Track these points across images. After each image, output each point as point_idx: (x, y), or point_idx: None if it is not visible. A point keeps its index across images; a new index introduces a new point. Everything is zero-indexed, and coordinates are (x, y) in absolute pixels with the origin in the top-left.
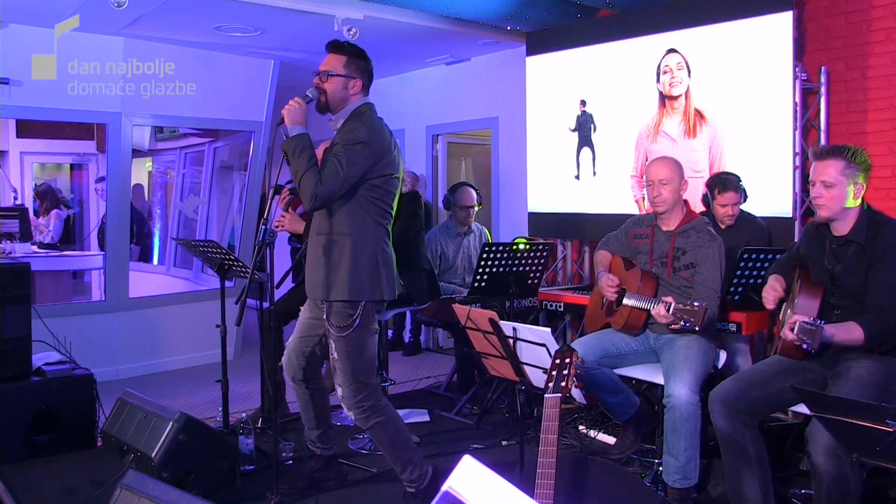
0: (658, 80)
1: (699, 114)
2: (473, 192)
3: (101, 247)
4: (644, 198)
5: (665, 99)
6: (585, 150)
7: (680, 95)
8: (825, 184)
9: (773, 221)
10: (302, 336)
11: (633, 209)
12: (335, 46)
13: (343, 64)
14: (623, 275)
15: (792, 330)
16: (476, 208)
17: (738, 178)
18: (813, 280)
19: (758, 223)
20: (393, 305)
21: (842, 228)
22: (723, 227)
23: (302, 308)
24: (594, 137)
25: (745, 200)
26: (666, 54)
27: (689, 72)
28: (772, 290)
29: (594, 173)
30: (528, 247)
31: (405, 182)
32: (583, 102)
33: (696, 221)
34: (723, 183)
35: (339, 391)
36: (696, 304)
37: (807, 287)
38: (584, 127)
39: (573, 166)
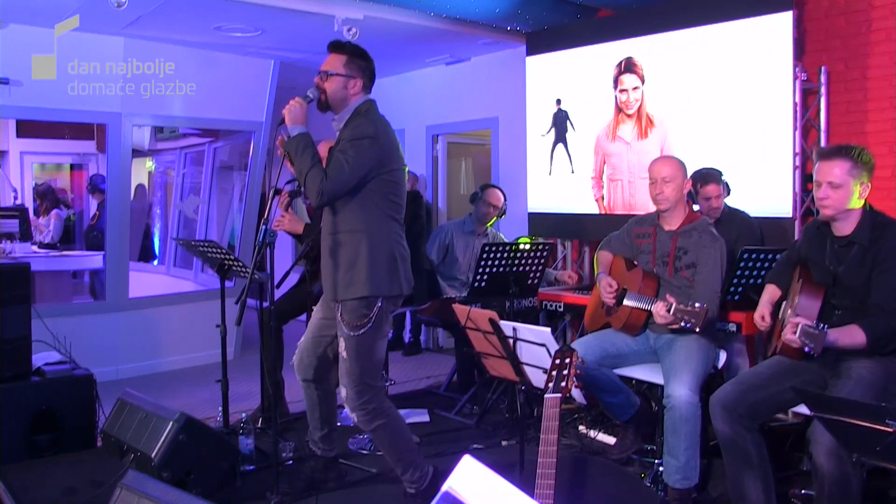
0: (615, 88)
1: (649, 118)
2: (501, 196)
3: (88, 247)
4: (603, 197)
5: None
6: (560, 148)
7: (634, 113)
8: (832, 184)
9: (773, 221)
10: (314, 336)
11: (633, 210)
12: (336, 46)
13: (343, 63)
14: (624, 275)
15: (794, 332)
16: (497, 211)
17: (719, 172)
18: (814, 280)
19: (746, 219)
20: None
21: (844, 229)
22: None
23: (315, 308)
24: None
25: (728, 194)
26: (623, 73)
27: (643, 82)
28: (760, 320)
29: (572, 171)
30: (534, 246)
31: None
32: (558, 101)
33: (699, 222)
34: (704, 177)
35: (344, 392)
36: (697, 304)
37: (808, 287)
38: (560, 125)
39: (573, 166)
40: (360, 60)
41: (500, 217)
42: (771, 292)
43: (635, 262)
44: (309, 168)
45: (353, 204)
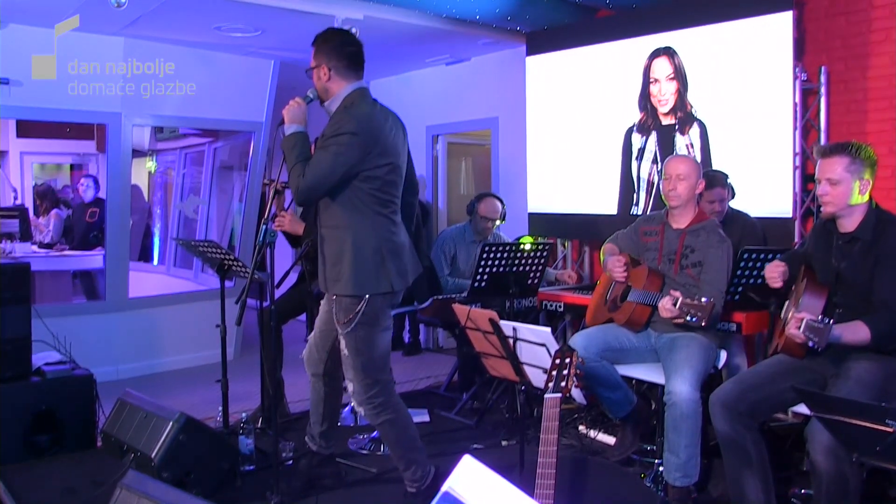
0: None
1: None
2: (499, 205)
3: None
4: None
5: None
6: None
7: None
8: (830, 181)
9: (773, 221)
10: (322, 330)
11: (635, 210)
12: (313, 40)
13: (313, 55)
14: (629, 272)
15: (798, 328)
16: (498, 222)
17: (724, 175)
18: (818, 279)
19: (749, 221)
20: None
21: (848, 225)
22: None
23: (322, 301)
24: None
25: (732, 197)
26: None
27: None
28: (775, 268)
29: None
30: (535, 246)
31: None
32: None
33: (708, 222)
34: (709, 179)
35: (350, 387)
36: (703, 299)
37: (812, 286)
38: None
39: (574, 166)
40: (324, 45)
41: (501, 222)
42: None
43: (640, 261)
44: (293, 165)
45: (337, 200)
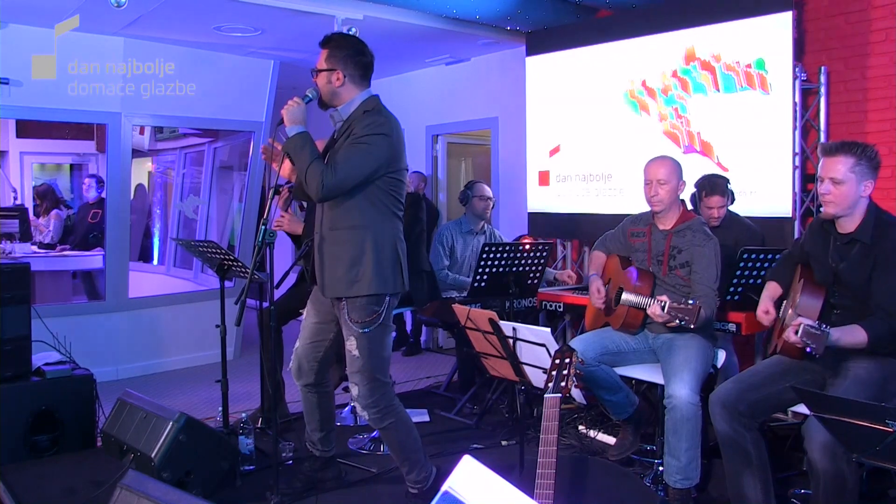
0: None
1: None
2: (487, 187)
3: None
4: None
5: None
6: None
7: None
8: (834, 181)
9: (773, 221)
10: (312, 342)
11: (635, 209)
12: (322, 41)
13: (325, 58)
14: (620, 273)
15: (796, 332)
16: (492, 202)
17: (726, 182)
18: (815, 278)
19: (747, 224)
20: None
21: (848, 226)
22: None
23: (304, 312)
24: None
25: (731, 202)
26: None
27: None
28: (764, 315)
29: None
30: (535, 246)
31: (409, 182)
32: None
33: (693, 221)
34: (711, 186)
35: (355, 390)
36: (690, 302)
37: (809, 286)
38: None
39: (572, 166)
40: (339, 51)
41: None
42: (772, 289)
43: (631, 261)
44: (308, 163)
45: (357, 200)
